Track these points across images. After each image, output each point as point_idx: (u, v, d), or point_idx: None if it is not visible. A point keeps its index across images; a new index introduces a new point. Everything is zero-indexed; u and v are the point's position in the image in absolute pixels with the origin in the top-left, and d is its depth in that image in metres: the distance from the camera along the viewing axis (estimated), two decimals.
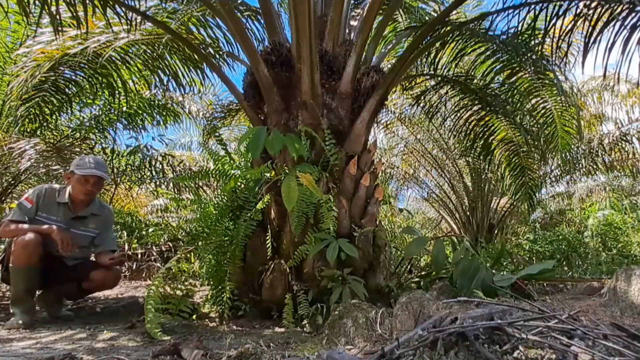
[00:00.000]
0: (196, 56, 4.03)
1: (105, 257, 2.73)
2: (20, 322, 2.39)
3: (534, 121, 4.37)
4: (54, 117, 4.38)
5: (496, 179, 7.41)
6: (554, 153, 4.60)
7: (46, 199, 2.64)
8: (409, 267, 4.16)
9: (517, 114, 4.27)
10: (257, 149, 2.56)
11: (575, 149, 6.30)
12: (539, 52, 3.59)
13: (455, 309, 1.63)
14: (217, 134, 3.40)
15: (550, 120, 4.24)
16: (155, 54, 3.99)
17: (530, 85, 4.00)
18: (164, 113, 5.65)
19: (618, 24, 2.78)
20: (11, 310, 2.50)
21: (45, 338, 2.11)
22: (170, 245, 5.59)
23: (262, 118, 3.19)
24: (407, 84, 4.91)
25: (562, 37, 3.13)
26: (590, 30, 2.91)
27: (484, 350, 0.95)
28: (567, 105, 4.17)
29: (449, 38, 3.82)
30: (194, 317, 2.65)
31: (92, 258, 2.94)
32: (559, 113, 4.20)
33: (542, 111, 4.22)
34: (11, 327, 2.36)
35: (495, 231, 8.36)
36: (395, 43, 4.30)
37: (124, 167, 5.45)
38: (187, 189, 5.93)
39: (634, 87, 7.16)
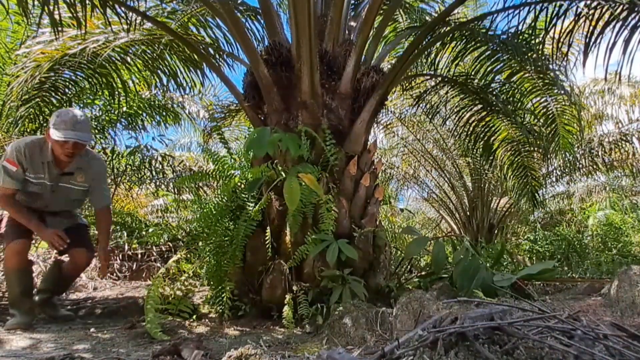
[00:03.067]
0: (196, 56, 4.03)
1: (100, 252, 2.76)
2: (20, 322, 2.39)
3: (536, 120, 4.37)
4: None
5: (496, 179, 7.41)
6: (556, 152, 4.59)
7: (30, 158, 2.48)
8: (409, 267, 4.16)
9: (518, 113, 4.27)
10: (261, 147, 2.57)
11: (576, 148, 6.30)
12: (540, 52, 3.59)
13: (455, 309, 1.63)
14: (220, 131, 3.40)
15: (551, 119, 4.24)
16: (155, 54, 3.99)
17: (531, 84, 4.00)
18: (164, 113, 5.65)
19: (619, 24, 2.78)
20: (10, 312, 2.50)
21: (45, 338, 2.11)
22: (170, 245, 5.58)
23: (262, 118, 3.19)
24: (407, 84, 4.91)
25: (563, 38, 3.13)
26: (590, 30, 2.91)
27: (484, 350, 0.95)
28: (567, 104, 4.17)
29: (449, 38, 3.83)
30: (194, 317, 2.65)
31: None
32: (560, 112, 4.20)
33: (543, 110, 4.22)
34: (11, 328, 2.35)
35: (495, 231, 8.36)
36: (395, 43, 4.30)
37: (124, 168, 5.45)
38: (187, 190, 5.93)
39: (636, 89, 7.16)
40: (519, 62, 3.77)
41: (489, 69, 3.93)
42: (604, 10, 2.84)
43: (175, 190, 5.87)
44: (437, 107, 4.86)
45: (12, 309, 2.49)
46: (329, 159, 2.77)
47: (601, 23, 2.89)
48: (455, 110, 4.59)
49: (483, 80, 4.07)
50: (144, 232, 5.76)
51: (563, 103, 4.16)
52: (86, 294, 3.88)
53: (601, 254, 6.65)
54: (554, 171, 7.73)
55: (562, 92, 4.05)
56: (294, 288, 2.55)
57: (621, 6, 2.73)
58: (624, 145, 6.65)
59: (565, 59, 3.74)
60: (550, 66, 3.78)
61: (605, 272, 5.00)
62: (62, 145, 2.41)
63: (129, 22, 3.24)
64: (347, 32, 3.44)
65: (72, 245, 2.58)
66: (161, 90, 5.15)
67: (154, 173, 5.75)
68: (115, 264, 4.91)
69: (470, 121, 4.50)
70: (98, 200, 2.75)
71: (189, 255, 3.05)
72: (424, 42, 3.51)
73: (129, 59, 4.00)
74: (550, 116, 4.22)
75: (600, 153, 6.82)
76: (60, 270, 2.82)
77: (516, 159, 4.74)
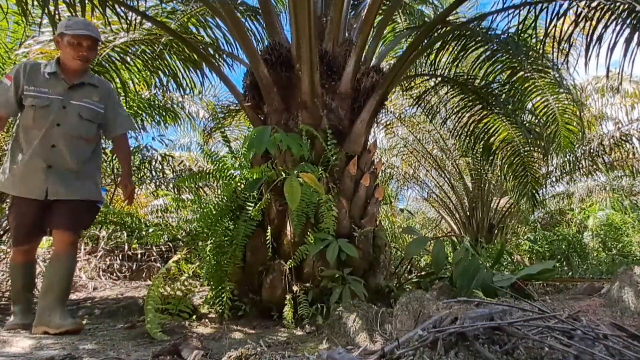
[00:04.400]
0: (196, 56, 4.03)
1: (124, 182, 2.55)
2: (20, 323, 2.34)
3: (536, 120, 4.37)
4: None
5: (496, 179, 7.42)
6: (557, 151, 4.59)
7: (30, 72, 2.27)
8: (409, 267, 4.16)
9: (518, 113, 4.27)
10: (261, 146, 2.57)
11: (577, 148, 6.30)
12: (541, 51, 3.59)
13: (455, 309, 1.63)
14: (222, 130, 3.40)
15: (552, 118, 4.24)
16: (154, 54, 4.00)
17: (531, 84, 4.00)
18: (164, 113, 5.65)
19: (619, 25, 2.78)
20: (12, 310, 2.47)
21: (45, 338, 2.11)
22: (170, 245, 5.58)
23: (262, 118, 3.19)
24: (407, 84, 4.91)
25: (563, 37, 3.14)
26: (591, 29, 2.91)
27: (484, 350, 0.95)
28: (569, 102, 4.17)
29: (449, 38, 3.83)
30: (194, 317, 2.65)
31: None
32: (561, 111, 4.20)
33: (544, 110, 4.22)
34: (10, 328, 2.33)
35: (495, 231, 8.36)
36: (395, 43, 4.30)
37: None
38: (187, 190, 5.93)
39: (638, 87, 7.17)
40: (519, 62, 3.77)
41: (489, 69, 3.93)
42: (604, 10, 2.84)
43: (175, 190, 5.87)
44: (437, 107, 4.86)
45: (14, 306, 2.44)
46: (329, 159, 2.77)
47: (601, 23, 2.89)
48: (456, 110, 4.60)
49: (483, 80, 4.07)
50: (144, 232, 5.76)
51: (564, 102, 4.16)
52: (86, 294, 3.88)
53: (601, 254, 6.65)
54: (554, 171, 7.73)
55: (564, 90, 4.05)
56: (294, 288, 2.55)
57: (621, 6, 2.73)
58: (624, 145, 6.65)
59: (566, 59, 3.74)
60: (551, 65, 3.78)
61: (605, 272, 5.00)
62: (75, 46, 2.24)
63: (128, 21, 3.24)
64: (347, 32, 3.44)
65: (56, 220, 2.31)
66: (161, 90, 5.15)
67: (153, 173, 5.75)
68: (115, 264, 4.91)
69: (470, 121, 4.50)
70: (116, 126, 2.50)
71: (189, 255, 3.04)
72: (424, 42, 3.51)
73: (128, 59, 4.00)
74: (551, 115, 4.23)
75: (600, 153, 6.82)
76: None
77: (516, 159, 4.74)
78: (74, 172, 2.35)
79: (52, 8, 2.76)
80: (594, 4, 2.91)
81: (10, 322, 2.38)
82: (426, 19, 4.65)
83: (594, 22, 2.92)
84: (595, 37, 2.92)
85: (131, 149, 5.52)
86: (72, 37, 2.24)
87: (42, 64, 2.33)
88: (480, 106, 4.33)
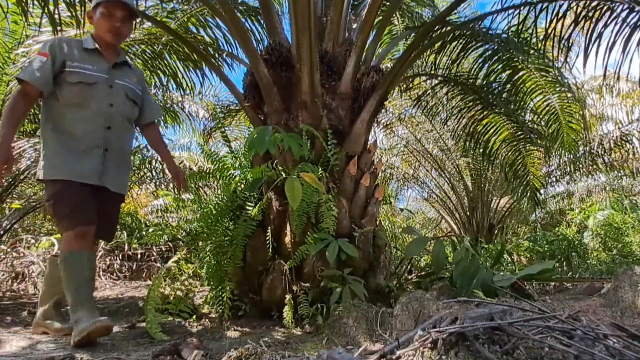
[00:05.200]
0: (195, 56, 4.03)
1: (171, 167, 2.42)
2: (96, 325, 1.81)
3: (538, 119, 4.37)
4: None
5: (496, 179, 7.42)
6: (560, 150, 4.59)
7: (69, 47, 2.04)
8: (409, 267, 4.16)
9: (519, 112, 4.27)
10: (262, 146, 2.56)
11: (579, 147, 6.30)
12: (541, 51, 3.60)
13: (455, 309, 1.63)
14: (222, 129, 3.40)
15: (554, 117, 4.24)
16: (154, 54, 4.00)
17: (533, 83, 4.01)
18: (164, 113, 5.65)
19: (618, 25, 2.79)
20: (72, 319, 1.91)
21: (45, 338, 2.11)
22: (170, 245, 5.59)
23: (262, 118, 3.19)
24: (407, 84, 4.91)
25: (563, 37, 3.14)
26: (591, 29, 2.92)
27: (484, 350, 0.95)
28: (571, 101, 4.17)
29: (449, 38, 3.83)
30: (194, 317, 2.65)
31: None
32: (563, 110, 4.20)
33: (546, 109, 4.22)
34: (81, 338, 1.79)
35: (495, 231, 8.36)
36: (396, 43, 4.30)
37: None
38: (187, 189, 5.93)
39: (635, 86, 7.17)
40: (520, 61, 3.77)
41: (490, 68, 3.93)
42: (604, 10, 2.85)
43: (175, 190, 5.87)
44: (438, 107, 4.86)
45: (75, 311, 1.90)
46: (329, 159, 2.77)
47: (601, 23, 2.89)
48: (456, 110, 4.60)
49: (484, 80, 4.07)
50: (144, 232, 5.77)
51: (566, 100, 4.16)
52: None
53: (601, 254, 6.65)
54: (554, 171, 7.73)
55: (566, 89, 4.05)
56: (294, 288, 2.55)
57: (621, 5, 2.74)
58: (624, 145, 6.65)
59: (567, 57, 3.75)
60: (552, 64, 3.78)
61: (605, 272, 5.00)
62: (108, 18, 2.07)
63: None
64: (347, 32, 3.44)
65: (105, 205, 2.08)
66: (161, 90, 5.15)
67: (153, 173, 5.75)
68: (115, 264, 4.92)
69: (471, 121, 4.50)
70: (151, 112, 2.37)
71: (189, 255, 3.05)
72: (424, 42, 3.51)
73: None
74: (553, 114, 4.23)
75: (600, 153, 6.82)
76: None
77: (517, 158, 4.75)
78: (125, 161, 2.21)
79: (52, 8, 2.75)
80: (594, 4, 2.91)
81: (81, 327, 1.82)
82: (425, 18, 4.64)
83: (593, 21, 2.92)
84: (594, 36, 2.93)
85: (132, 149, 5.55)
86: (104, 6, 2.08)
87: (75, 40, 2.12)
88: (481, 106, 4.33)
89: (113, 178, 2.10)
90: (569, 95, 4.13)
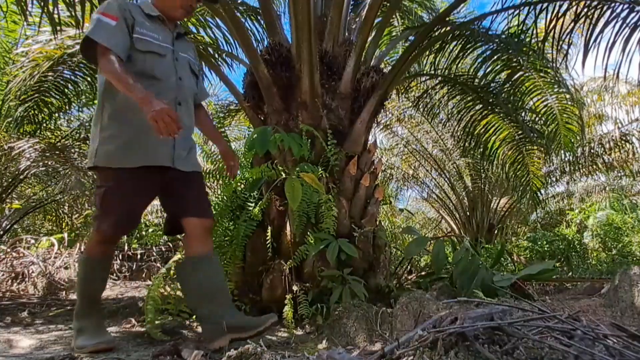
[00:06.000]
0: None
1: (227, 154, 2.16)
2: (102, 341, 1.77)
3: (537, 119, 4.38)
4: (53, 117, 4.38)
5: (496, 178, 7.41)
6: (557, 150, 4.60)
7: (134, 12, 1.81)
8: (409, 267, 4.16)
9: (519, 112, 4.28)
10: (262, 146, 2.56)
11: (576, 148, 6.30)
12: (541, 51, 3.60)
13: (455, 309, 1.63)
14: (222, 129, 3.40)
15: (552, 118, 4.25)
16: None
17: (531, 83, 4.01)
18: None
19: (618, 24, 2.79)
20: (75, 325, 1.84)
21: (46, 338, 2.11)
22: (170, 245, 5.59)
23: (262, 118, 3.19)
24: (407, 85, 4.91)
25: (563, 37, 3.14)
26: (591, 29, 2.92)
27: (484, 350, 0.95)
28: (569, 102, 4.18)
29: (449, 38, 3.83)
30: (194, 317, 2.65)
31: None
32: (561, 110, 4.21)
33: (544, 109, 4.22)
34: (93, 349, 1.73)
35: (495, 231, 8.36)
36: (396, 43, 4.30)
37: None
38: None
39: (634, 88, 7.17)
40: (519, 62, 3.78)
41: (489, 68, 3.94)
42: (604, 9, 2.85)
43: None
44: (438, 107, 4.86)
45: (82, 318, 1.83)
46: (329, 159, 2.77)
47: (601, 23, 2.89)
48: (456, 110, 4.60)
49: (483, 80, 4.07)
50: (143, 232, 5.77)
51: (564, 101, 4.17)
52: None
53: (601, 254, 6.65)
54: (554, 171, 7.73)
55: (563, 90, 4.06)
56: (294, 288, 2.55)
57: (621, 5, 2.74)
58: (624, 145, 6.66)
59: (565, 58, 3.75)
60: (551, 65, 3.78)
61: (605, 272, 5.00)
62: None
63: None
64: (347, 32, 3.44)
65: (188, 205, 1.86)
66: None
67: None
68: (115, 264, 4.91)
69: (471, 121, 4.50)
70: (203, 91, 2.17)
71: None
72: (424, 42, 3.51)
73: None
74: (551, 114, 4.23)
75: (600, 153, 6.82)
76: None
77: (518, 158, 4.75)
78: (192, 141, 1.99)
79: (51, 8, 2.75)
80: (594, 3, 2.91)
81: (81, 341, 1.77)
82: (425, 19, 4.65)
83: (593, 22, 2.92)
84: (594, 36, 2.93)
85: None
86: None
87: (132, 4, 1.88)
88: (481, 106, 4.34)
89: (185, 158, 1.90)
90: (567, 96, 4.13)
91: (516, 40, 3.55)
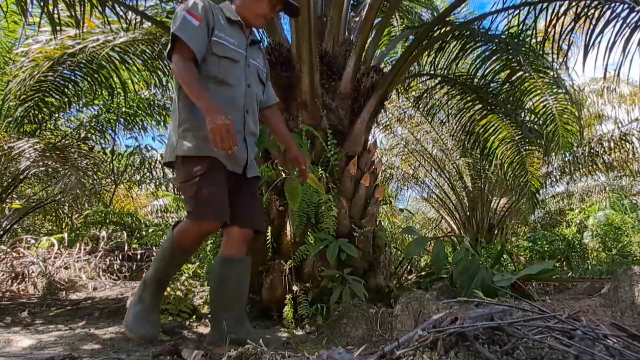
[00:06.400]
0: None
1: (295, 153, 2.09)
2: (145, 334, 1.77)
3: (536, 119, 4.38)
4: (53, 117, 4.38)
5: (496, 179, 7.42)
6: (556, 151, 4.60)
7: (216, 13, 1.82)
8: (409, 267, 4.16)
9: (518, 112, 4.28)
10: (262, 146, 2.56)
11: (576, 148, 6.30)
12: (540, 51, 3.60)
13: (455, 309, 1.63)
14: None
15: (551, 118, 4.25)
16: (154, 54, 3.99)
17: (530, 83, 4.01)
18: (164, 113, 5.66)
19: (618, 24, 2.79)
20: (130, 315, 1.83)
21: (46, 338, 2.11)
22: None
23: None
24: (407, 85, 4.91)
25: (563, 37, 3.14)
26: (591, 29, 2.92)
27: (484, 350, 0.95)
28: (567, 103, 4.18)
29: (449, 38, 3.83)
30: (194, 317, 2.65)
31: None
32: (560, 111, 4.21)
33: (543, 109, 4.22)
34: (143, 337, 1.77)
35: (495, 231, 8.36)
36: (396, 43, 4.30)
37: (124, 168, 5.45)
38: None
39: (635, 89, 7.17)
40: (518, 62, 3.78)
41: (489, 68, 3.94)
42: (604, 9, 2.85)
43: (175, 190, 5.87)
44: (437, 107, 4.86)
45: (221, 313, 1.81)
46: (329, 159, 2.77)
47: (601, 23, 2.89)
48: (456, 110, 4.60)
49: (483, 80, 4.07)
50: (144, 232, 5.77)
51: (563, 102, 4.17)
52: (86, 294, 3.88)
53: (601, 254, 6.65)
54: (554, 171, 7.73)
55: (562, 91, 4.06)
56: (294, 288, 2.55)
57: (621, 5, 2.74)
58: (623, 145, 6.65)
59: (565, 58, 3.75)
60: (550, 65, 3.79)
61: (605, 272, 5.00)
62: (272, 8, 1.89)
63: (128, 21, 3.24)
64: (347, 32, 3.44)
65: (237, 211, 1.83)
66: (160, 90, 5.15)
67: (153, 173, 5.75)
68: (115, 264, 4.91)
69: (470, 120, 4.50)
70: (272, 94, 2.16)
71: None
72: (424, 42, 3.51)
73: (128, 59, 4.00)
74: (550, 115, 4.23)
75: (599, 153, 6.82)
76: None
77: (516, 158, 4.75)
78: (255, 148, 2.00)
79: (51, 8, 2.75)
80: (594, 3, 2.91)
81: (139, 330, 1.78)
82: (425, 19, 4.65)
83: (593, 22, 2.92)
84: (594, 37, 2.93)
85: (132, 149, 5.56)
86: None
87: (216, 5, 1.86)
88: (481, 105, 4.34)
89: (251, 165, 1.94)
90: (566, 97, 4.13)
91: (516, 40, 3.55)
